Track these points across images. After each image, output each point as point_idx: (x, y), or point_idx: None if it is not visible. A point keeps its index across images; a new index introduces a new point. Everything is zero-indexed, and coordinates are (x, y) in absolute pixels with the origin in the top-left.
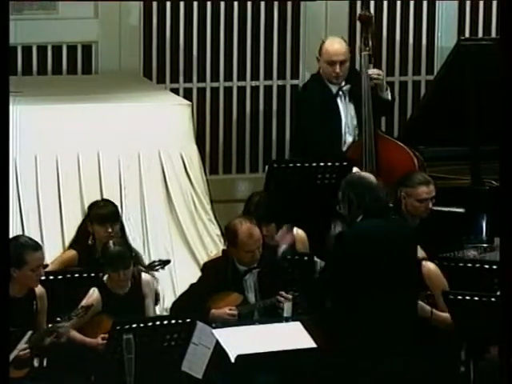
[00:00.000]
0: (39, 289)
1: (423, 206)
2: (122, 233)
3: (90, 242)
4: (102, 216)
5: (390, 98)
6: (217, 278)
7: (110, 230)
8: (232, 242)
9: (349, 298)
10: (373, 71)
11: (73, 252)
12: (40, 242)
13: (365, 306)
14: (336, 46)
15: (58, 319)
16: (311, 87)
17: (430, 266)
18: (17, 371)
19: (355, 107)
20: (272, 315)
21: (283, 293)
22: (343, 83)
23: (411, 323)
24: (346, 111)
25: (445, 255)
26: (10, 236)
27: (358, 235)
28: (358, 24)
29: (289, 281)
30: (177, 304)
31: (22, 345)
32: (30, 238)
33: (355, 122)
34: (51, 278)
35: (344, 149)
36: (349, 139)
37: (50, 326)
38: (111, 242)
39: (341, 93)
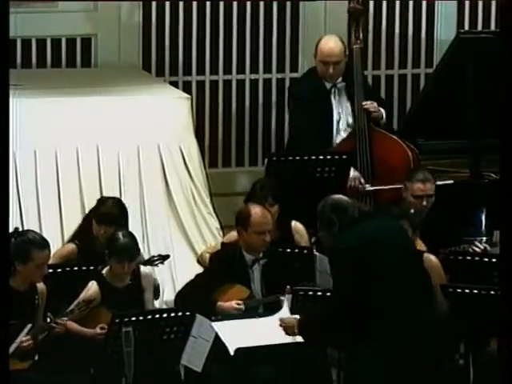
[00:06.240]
0: (40, 284)
1: (417, 202)
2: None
3: (91, 235)
4: (101, 216)
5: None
6: (223, 268)
7: (102, 232)
8: (244, 224)
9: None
10: (367, 105)
11: (72, 246)
12: None
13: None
14: (330, 45)
15: (60, 313)
16: (304, 81)
17: (431, 257)
18: (20, 363)
19: (352, 104)
20: (276, 309)
21: (288, 288)
22: (339, 80)
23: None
24: (341, 108)
25: (453, 249)
26: (11, 230)
27: (354, 237)
28: (347, 17)
29: (290, 274)
30: (182, 294)
31: (22, 337)
32: (38, 234)
33: (351, 120)
34: (50, 271)
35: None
36: (344, 136)
37: (50, 319)
38: (120, 232)
39: (334, 89)
